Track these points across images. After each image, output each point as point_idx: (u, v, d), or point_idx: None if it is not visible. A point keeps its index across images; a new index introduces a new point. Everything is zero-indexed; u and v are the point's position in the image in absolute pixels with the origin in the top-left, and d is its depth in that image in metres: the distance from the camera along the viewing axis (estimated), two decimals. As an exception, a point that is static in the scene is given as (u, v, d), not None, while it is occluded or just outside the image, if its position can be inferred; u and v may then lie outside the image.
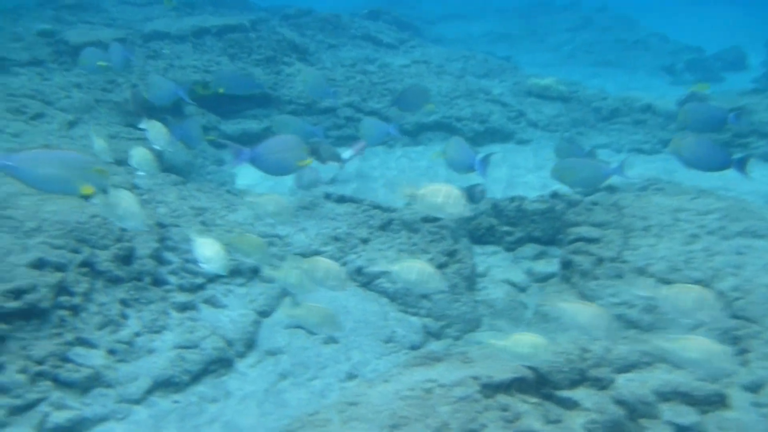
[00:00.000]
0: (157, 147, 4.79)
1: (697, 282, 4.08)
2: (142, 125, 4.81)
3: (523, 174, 8.36)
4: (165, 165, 7.47)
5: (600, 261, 4.80)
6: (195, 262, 3.60)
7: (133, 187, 5.68)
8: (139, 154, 4.71)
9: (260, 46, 11.71)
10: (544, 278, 5.36)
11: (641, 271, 4.54)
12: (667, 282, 4.22)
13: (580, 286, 4.74)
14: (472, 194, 6.29)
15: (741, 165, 4.63)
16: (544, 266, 5.50)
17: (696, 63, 18.69)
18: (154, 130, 4.79)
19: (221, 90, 7.10)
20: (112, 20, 13.38)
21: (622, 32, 22.92)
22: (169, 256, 4.91)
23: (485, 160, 4.73)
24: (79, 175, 3.56)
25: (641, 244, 4.84)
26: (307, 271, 3.76)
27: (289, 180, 8.25)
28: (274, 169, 4.10)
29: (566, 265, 5.00)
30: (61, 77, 8.70)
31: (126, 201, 3.75)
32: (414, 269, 3.65)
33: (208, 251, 3.61)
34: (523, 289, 5.30)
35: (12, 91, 7.82)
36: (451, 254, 5.35)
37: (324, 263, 3.74)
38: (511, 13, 27.97)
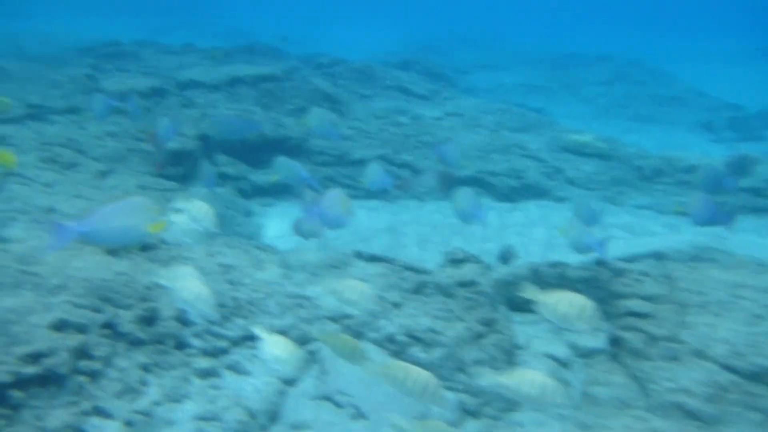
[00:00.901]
0: (199, 228, 4.55)
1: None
2: (180, 205, 4.55)
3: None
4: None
5: (653, 340, 4.52)
6: (264, 361, 3.29)
7: (161, 242, 5.59)
8: (197, 208, 4.46)
9: (293, 95, 11.83)
10: (589, 353, 5.07)
11: (700, 354, 4.25)
12: (730, 369, 3.92)
13: (631, 366, 4.44)
14: (507, 258, 6.06)
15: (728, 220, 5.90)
16: (588, 340, 5.21)
17: (737, 120, 18.42)
18: (197, 209, 4.49)
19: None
20: (148, 68, 13.71)
21: (658, 87, 22.82)
22: (193, 316, 4.76)
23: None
24: (143, 219, 3.65)
25: (698, 322, 4.55)
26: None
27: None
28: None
29: (615, 342, 4.71)
30: (96, 126, 8.83)
31: (193, 283, 3.64)
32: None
33: (279, 350, 3.26)
34: (566, 365, 5.01)
35: (47, 140, 7.93)
36: (488, 323, 5.10)
37: (418, 374, 3.48)
38: (543, 64, 28.15)
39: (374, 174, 6.01)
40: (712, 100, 20.77)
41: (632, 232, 8.24)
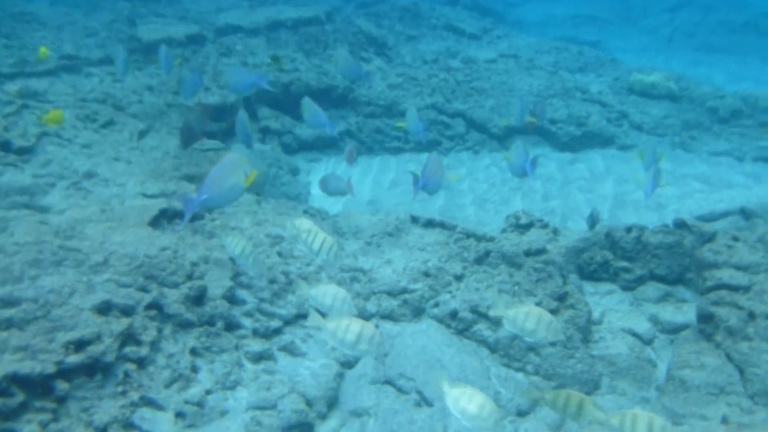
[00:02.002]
0: (240, 263, 4.15)
1: None
2: (226, 243, 4.13)
3: (633, 190, 7.57)
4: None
5: (752, 317, 4.09)
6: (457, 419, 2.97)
7: (206, 211, 5.35)
8: (320, 241, 3.86)
9: (336, 39, 11.32)
10: (675, 329, 4.66)
11: (809, 337, 3.81)
12: None
13: (727, 346, 4.04)
14: (592, 221, 5.60)
15: None
16: (672, 313, 4.80)
17: (820, 48, 17.07)
18: (235, 242, 4.08)
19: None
20: (185, 12, 13.30)
21: (728, 12, 21.23)
22: (242, 294, 4.54)
23: (534, 162, 5.32)
24: (240, 175, 3.74)
25: (804, 298, 4.08)
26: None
27: (366, 191, 7.81)
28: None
29: (706, 318, 4.29)
30: (133, 78, 8.56)
31: (335, 292, 3.59)
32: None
33: (474, 407, 2.90)
34: (648, 342, 4.63)
35: (83, 95, 7.72)
36: (561, 298, 4.73)
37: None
38: (597, -8, 26.54)
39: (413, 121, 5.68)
40: (790, 24, 19.28)
41: (710, 184, 7.64)
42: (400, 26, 14.47)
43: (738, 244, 4.83)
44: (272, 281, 4.70)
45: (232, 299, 4.44)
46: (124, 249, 4.43)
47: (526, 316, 3.39)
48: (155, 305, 4.12)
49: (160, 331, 4.03)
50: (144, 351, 3.83)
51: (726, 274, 4.48)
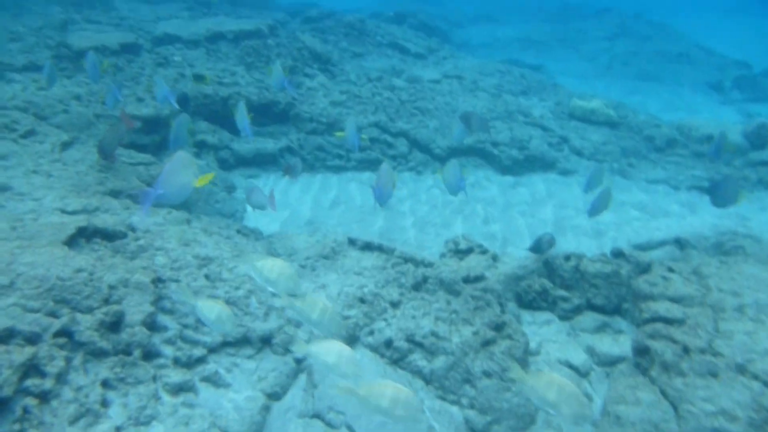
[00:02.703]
0: (272, 289, 3.88)
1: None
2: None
3: (572, 216, 7.65)
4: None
5: (686, 351, 4.10)
6: None
7: (130, 228, 5.06)
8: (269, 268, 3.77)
9: (279, 54, 11.14)
10: (611, 362, 4.66)
11: (741, 369, 3.83)
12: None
13: (662, 382, 4.03)
14: (538, 246, 5.57)
15: None
16: (609, 345, 4.79)
17: (745, 80, 17.96)
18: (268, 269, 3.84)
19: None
20: (121, 20, 12.89)
21: (663, 43, 22.20)
22: (164, 320, 4.28)
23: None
24: (193, 174, 3.83)
25: (736, 330, 4.13)
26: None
27: (306, 210, 7.64)
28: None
29: (641, 351, 4.29)
30: (60, 87, 8.15)
31: (323, 305, 3.57)
32: None
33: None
34: (585, 374, 4.60)
35: (3, 103, 7.28)
36: (499, 327, 4.66)
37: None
38: (540, 16, 27.33)
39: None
40: (718, 57, 20.23)
41: (647, 212, 7.80)
42: (345, 43, 14.43)
43: (673, 276, 4.87)
44: (197, 306, 4.45)
45: (152, 325, 4.17)
46: (35, 270, 4.11)
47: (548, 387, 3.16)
48: (65, 332, 3.83)
49: (68, 361, 3.73)
50: (48, 384, 3.53)
51: (662, 307, 4.50)
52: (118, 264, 4.45)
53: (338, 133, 6.95)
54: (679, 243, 6.42)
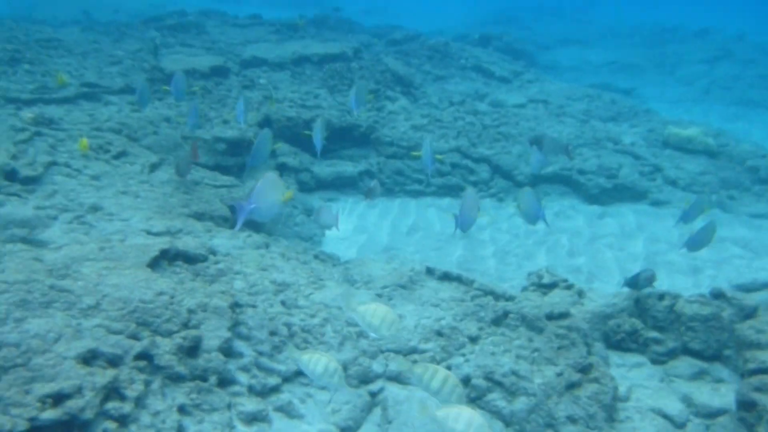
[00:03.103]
0: (374, 335, 3.87)
1: None
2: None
3: (665, 251, 7.24)
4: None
5: (798, 410, 3.73)
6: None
7: (210, 251, 5.16)
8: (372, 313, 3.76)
9: (362, 77, 11.25)
10: (711, 414, 4.30)
11: None
12: None
13: (769, 442, 3.68)
14: (635, 282, 5.29)
15: None
16: (708, 395, 4.45)
17: None
18: (371, 314, 3.77)
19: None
20: (213, 43, 13.42)
21: (767, 66, 21.00)
22: (240, 346, 4.31)
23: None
24: (281, 192, 4.29)
25: None
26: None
27: (383, 236, 7.61)
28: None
29: (747, 405, 3.95)
30: (152, 109, 8.53)
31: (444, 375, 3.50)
32: None
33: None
34: (681, 426, 4.27)
35: (99, 125, 7.67)
36: (585, 369, 4.42)
37: None
38: (634, 39, 26.45)
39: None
40: (829, 81, 18.95)
41: (750, 250, 7.29)
42: (428, 65, 14.45)
43: (782, 322, 4.48)
44: (273, 333, 4.47)
45: (228, 352, 4.21)
46: (119, 292, 4.24)
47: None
48: (145, 355, 3.91)
49: (147, 384, 3.80)
50: (128, 407, 3.59)
51: (769, 356, 4.14)
52: (198, 288, 4.53)
53: (414, 153, 7.05)
54: (785, 285, 5.94)
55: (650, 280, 5.17)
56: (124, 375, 3.73)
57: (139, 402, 3.68)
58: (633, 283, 5.27)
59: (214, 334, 4.22)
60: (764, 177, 9.84)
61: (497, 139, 9.90)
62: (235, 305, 4.57)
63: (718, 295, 5.12)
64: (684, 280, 6.49)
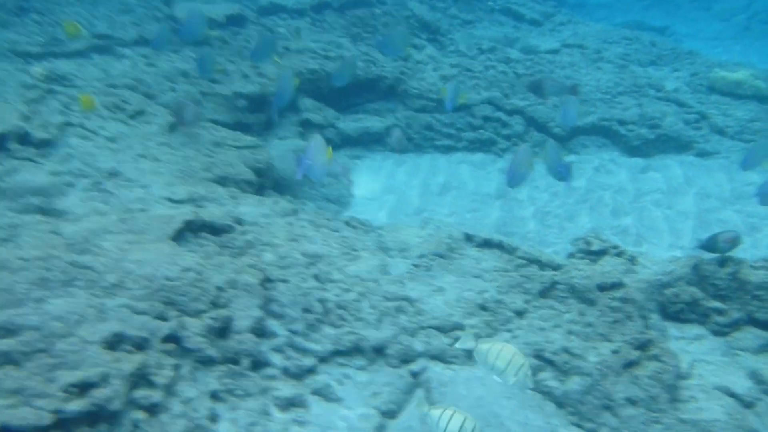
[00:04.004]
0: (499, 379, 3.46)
1: None
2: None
3: (718, 207, 6.87)
4: (275, 176, 6.76)
5: None
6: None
7: (237, 221, 4.92)
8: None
9: (386, 23, 10.76)
10: (782, 393, 4.04)
11: None
12: None
13: None
14: (713, 244, 4.89)
15: None
16: (779, 372, 4.17)
17: None
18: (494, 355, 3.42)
19: None
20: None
21: (813, -3, 19.91)
22: (273, 325, 4.10)
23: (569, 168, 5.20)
24: (327, 153, 4.53)
25: None
26: None
27: (414, 196, 7.31)
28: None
29: (825, 388, 3.67)
30: (168, 62, 8.19)
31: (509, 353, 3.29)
32: None
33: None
34: (750, 405, 4.02)
35: (113, 81, 7.37)
36: (643, 346, 4.16)
37: None
38: (666, -30, 25.20)
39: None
40: None
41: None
42: (454, 9, 13.82)
43: None
44: (306, 310, 4.25)
45: (260, 332, 4.00)
46: (143, 269, 4.02)
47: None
48: (173, 337, 3.71)
49: (177, 369, 3.61)
50: (157, 396, 3.41)
51: None
52: (225, 262, 4.30)
53: (442, 88, 6.92)
54: None
55: (734, 242, 4.78)
56: (152, 359, 3.54)
57: (169, 389, 3.50)
58: (710, 245, 4.87)
59: (245, 313, 4.00)
60: (820, 124, 9.30)
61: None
62: (266, 281, 4.34)
63: (782, 260, 4.79)
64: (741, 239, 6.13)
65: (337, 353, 4.10)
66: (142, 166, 5.70)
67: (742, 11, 20.15)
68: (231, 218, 4.87)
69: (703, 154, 8.76)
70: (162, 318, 3.79)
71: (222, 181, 5.73)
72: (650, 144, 8.87)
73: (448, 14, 13.11)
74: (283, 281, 4.42)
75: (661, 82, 10.35)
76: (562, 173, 5.24)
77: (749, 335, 4.54)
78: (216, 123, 7.01)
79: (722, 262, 4.84)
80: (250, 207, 5.28)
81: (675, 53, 12.17)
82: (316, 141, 4.50)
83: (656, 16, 20.18)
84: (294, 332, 4.10)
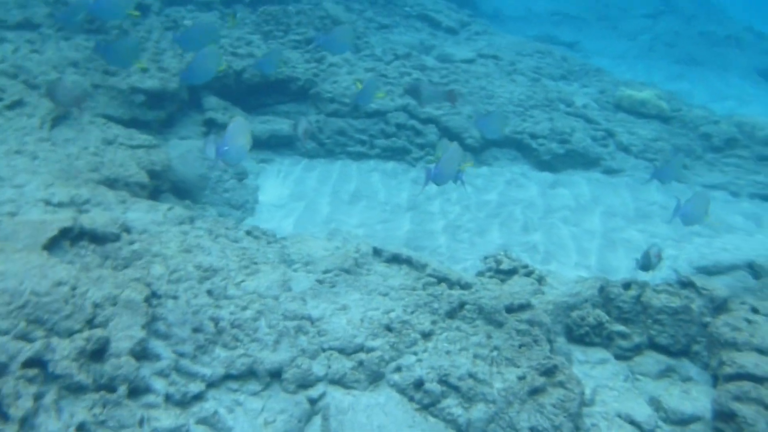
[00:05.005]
0: None
1: None
2: None
3: (623, 226, 7.02)
4: (173, 179, 6.34)
5: (780, 422, 3.51)
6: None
7: (124, 228, 4.51)
8: None
9: (300, 23, 10.48)
10: (682, 421, 4.07)
11: None
12: None
13: (750, 459, 3.46)
14: (648, 262, 4.98)
15: None
16: (678, 398, 4.21)
17: (796, 66, 17.18)
18: None
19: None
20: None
21: (709, 23, 21.25)
22: (157, 346, 3.75)
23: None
24: (248, 137, 4.44)
25: (842, 400, 3.54)
26: None
27: (323, 204, 7.08)
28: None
29: (725, 416, 3.72)
30: (56, 50, 7.56)
31: None
32: None
33: None
34: (649, 434, 4.03)
35: (-10, 66, 6.71)
36: (549, 372, 4.09)
37: None
38: (579, -11, 26.21)
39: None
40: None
41: (708, 225, 7.13)
42: (371, 12, 13.69)
43: (759, 319, 4.28)
44: (197, 329, 3.93)
45: (142, 354, 3.64)
46: (5, 282, 3.59)
47: None
48: (37, 362, 3.32)
49: (38, 398, 3.22)
50: (10, 431, 3.01)
51: (749, 361, 3.92)
52: (107, 276, 3.91)
53: (357, 83, 6.78)
54: (753, 269, 5.80)
55: (660, 256, 4.87)
56: (8, 388, 3.13)
57: (26, 422, 3.10)
58: (646, 264, 4.97)
59: (125, 333, 3.64)
60: (717, 145, 9.78)
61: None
62: (153, 296, 3.98)
63: (686, 284, 4.89)
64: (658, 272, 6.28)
65: (229, 377, 3.81)
66: (16, 164, 5.17)
67: (646, 31, 21.23)
68: (117, 225, 4.46)
69: (609, 171, 8.99)
70: (25, 339, 3.38)
71: (111, 183, 5.29)
72: (560, 159, 9.02)
73: (365, 17, 12.97)
74: (173, 297, 4.08)
75: (571, 97, 10.60)
76: (458, 176, 5.21)
77: (650, 360, 4.59)
78: (110, 119, 6.51)
79: (627, 285, 4.89)
80: (140, 213, 4.87)
81: (584, 69, 12.55)
82: (237, 123, 4.41)
83: (567, 32, 20.93)
84: (181, 354, 3.77)
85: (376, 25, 13.09)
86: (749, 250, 6.31)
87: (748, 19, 22.58)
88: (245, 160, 4.96)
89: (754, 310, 4.37)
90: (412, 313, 4.47)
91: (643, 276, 5.30)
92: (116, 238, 4.36)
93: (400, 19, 13.97)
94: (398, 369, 4.09)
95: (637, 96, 10.44)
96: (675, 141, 9.73)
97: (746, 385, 3.76)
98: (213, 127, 7.84)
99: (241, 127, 4.42)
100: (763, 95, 15.84)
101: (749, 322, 4.24)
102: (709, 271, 5.83)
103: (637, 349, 4.66)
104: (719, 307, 4.61)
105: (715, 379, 4.14)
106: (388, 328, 4.32)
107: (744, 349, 4.05)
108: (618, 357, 4.65)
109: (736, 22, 21.99)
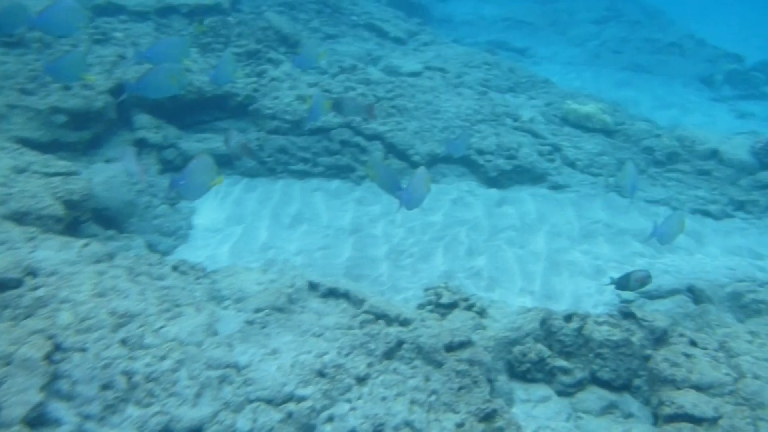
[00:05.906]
0: None
1: None
2: None
3: (568, 247, 6.91)
4: (96, 206, 5.96)
5: (722, 469, 3.40)
6: None
7: (28, 272, 4.15)
8: None
9: (240, 34, 10.17)
10: (624, 465, 3.94)
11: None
12: None
13: None
14: (626, 283, 4.87)
15: None
16: (619, 438, 4.08)
17: (736, 75, 17.57)
18: None
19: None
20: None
21: (654, 30, 21.65)
22: (57, 410, 3.41)
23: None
24: (212, 174, 4.51)
25: (783, 444, 3.44)
26: None
27: (262, 228, 6.78)
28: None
29: (665, 462, 3.58)
30: (-29, 66, 7.08)
31: None
32: None
33: None
34: (592, 480, 3.88)
35: None
36: (489, 417, 3.91)
37: None
38: (528, -6, 26.42)
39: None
40: (710, 48, 19.69)
41: (650, 245, 7.09)
42: (317, 21, 13.45)
43: (697, 353, 4.18)
44: (106, 386, 3.60)
45: (38, 421, 3.30)
46: None
47: None
48: None
49: None
50: None
51: (687, 400, 3.81)
52: (1, 330, 3.55)
53: (307, 99, 6.82)
54: (693, 293, 5.75)
55: (643, 282, 4.78)
56: None
57: None
58: (623, 284, 4.88)
59: (18, 398, 3.30)
60: (659, 159, 9.83)
61: (391, 113, 9.21)
62: (57, 350, 3.64)
63: (627, 314, 4.79)
64: (588, 284, 6.17)
65: (151, 444, 3.50)
66: None
67: (593, 38, 21.50)
68: (21, 269, 4.10)
69: (555, 187, 8.91)
70: None
71: (20, 217, 4.89)
72: (507, 175, 8.90)
73: (310, 27, 12.71)
74: (80, 350, 3.74)
75: (517, 111, 10.53)
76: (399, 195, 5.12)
77: (592, 396, 4.46)
78: (25, 142, 6.09)
79: (568, 317, 4.76)
80: (50, 252, 4.50)
81: (532, 81, 12.53)
82: (201, 159, 4.45)
83: (517, 37, 21.07)
84: (86, 416, 3.45)
85: (322, 35, 12.85)
86: (689, 272, 6.28)
87: (689, 26, 23.08)
88: (200, 198, 4.83)
89: (693, 343, 4.28)
90: (347, 355, 4.23)
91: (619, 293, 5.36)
92: (18, 284, 4.00)
93: (347, 29, 13.75)
94: (330, 419, 3.85)
95: (581, 110, 10.42)
96: (619, 155, 9.73)
97: (684, 427, 3.64)
98: (144, 147, 7.45)
99: (204, 165, 4.45)
100: (705, 103, 16.15)
101: (687, 356, 4.15)
102: (651, 296, 5.76)
103: (580, 385, 4.52)
104: (659, 339, 4.51)
105: (656, 418, 4.02)
106: (321, 374, 4.07)
107: (683, 387, 3.94)
108: (560, 393, 4.51)
109: (679, 28, 22.45)
